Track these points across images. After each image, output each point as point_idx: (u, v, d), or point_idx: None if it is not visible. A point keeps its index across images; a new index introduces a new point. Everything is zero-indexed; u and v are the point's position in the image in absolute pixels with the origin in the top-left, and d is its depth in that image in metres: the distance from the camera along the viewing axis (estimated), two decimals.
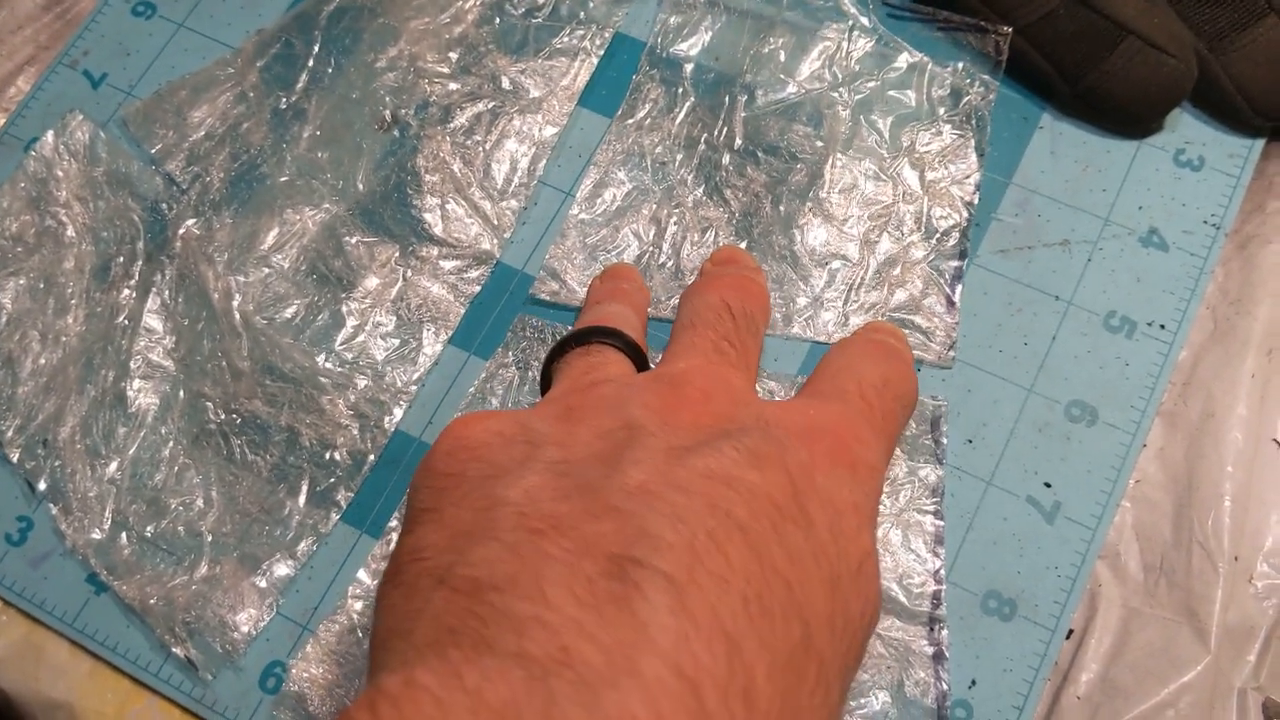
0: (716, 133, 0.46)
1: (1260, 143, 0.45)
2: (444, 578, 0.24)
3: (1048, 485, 0.41)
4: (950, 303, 0.43)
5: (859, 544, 0.27)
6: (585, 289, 0.44)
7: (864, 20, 0.46)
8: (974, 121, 0.45)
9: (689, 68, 0.47)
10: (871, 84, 0.46)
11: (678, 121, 0.46)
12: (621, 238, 0.45)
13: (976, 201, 0.44)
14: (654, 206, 0.45)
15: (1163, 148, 0.46)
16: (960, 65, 0.45)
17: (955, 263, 0.44)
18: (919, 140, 0.45)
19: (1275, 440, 0.41)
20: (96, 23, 0.51)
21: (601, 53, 0.48)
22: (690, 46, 0.48)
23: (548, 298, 0.45)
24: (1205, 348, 0.43)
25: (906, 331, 0.43)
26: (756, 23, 0.47)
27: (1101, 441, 0.42)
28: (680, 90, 0.47)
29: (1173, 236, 0.44)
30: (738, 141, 0.46)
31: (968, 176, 0.44)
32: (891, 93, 0.46)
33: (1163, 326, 0.43)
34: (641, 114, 0.47)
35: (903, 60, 0.46)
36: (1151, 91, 0.44)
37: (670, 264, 0.44)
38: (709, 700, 0.21)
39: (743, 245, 0.44)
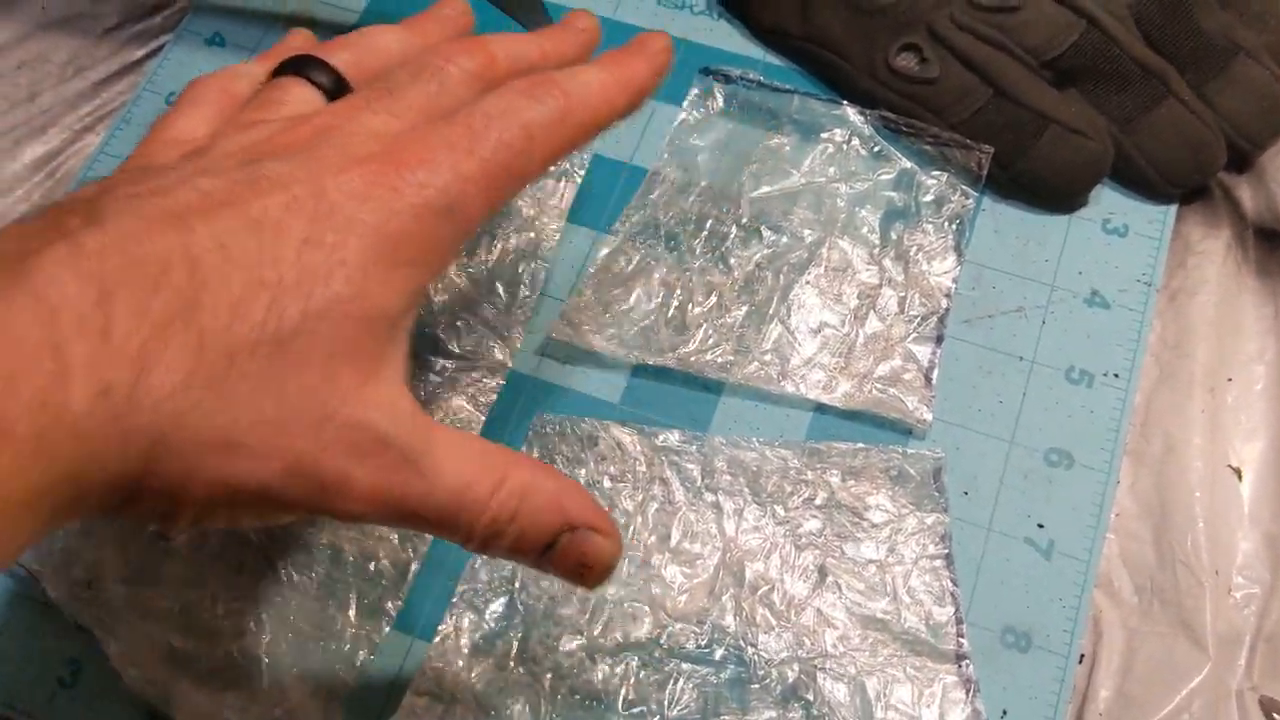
0: (725, 209, 0.51)
1: (1174, 208, 0.52)
2: None
3: (1040, 526, 0.46)
4: (927, 378, 0.48)
5: (334, 254, 0.29)
6: (597, 337, 0.48)
7: (863, 129, 0.52)
8: (954, 226, 0.50)
9: (703, 157, 0.52)
10: (865, 183, 0.51)
11: (690, 200, 0.51)
12: (634, 297, 0.50)
13: (953, 293, 0.49)
14: (664, 271, 0.50)
15: (1091, 219, 0.51)
16: (945, 176, 0.51)
17: (932, 346, 0.48)
18: (906, 236, 0.50)
19: (1230, 466, 0.47)
20: (89, 179, 0.53)
21: (583, 173, 0.52)
22: (706, 138, 0.53)
23: (563, 339, 0.49)
24: (1155, 391, 0.48)
25: (887, 398, 0.47)
26: (767, 121, 0.53)
27: (1080, 482, 0.46)
28: (695, 174, 0.52)
29: (1112, 295, 0.50)
30: (744, 219, 0.51)
31: (946, 272, 0.49)
32: (883, 192, 0.51)
33: (1116, 375, 0.48)
34: (656, 194, 0.52)
35: (894, 166, 0.52)
36: (1076, 171, 0.50)
37: (675, 322, 0.49)
38: (63, 321, 0.26)
39: (744, 309, 0.49)
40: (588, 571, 0.33)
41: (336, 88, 0.36)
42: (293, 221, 0.29)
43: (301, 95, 0.35)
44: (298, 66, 0.36)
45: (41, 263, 0.26)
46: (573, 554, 0.33)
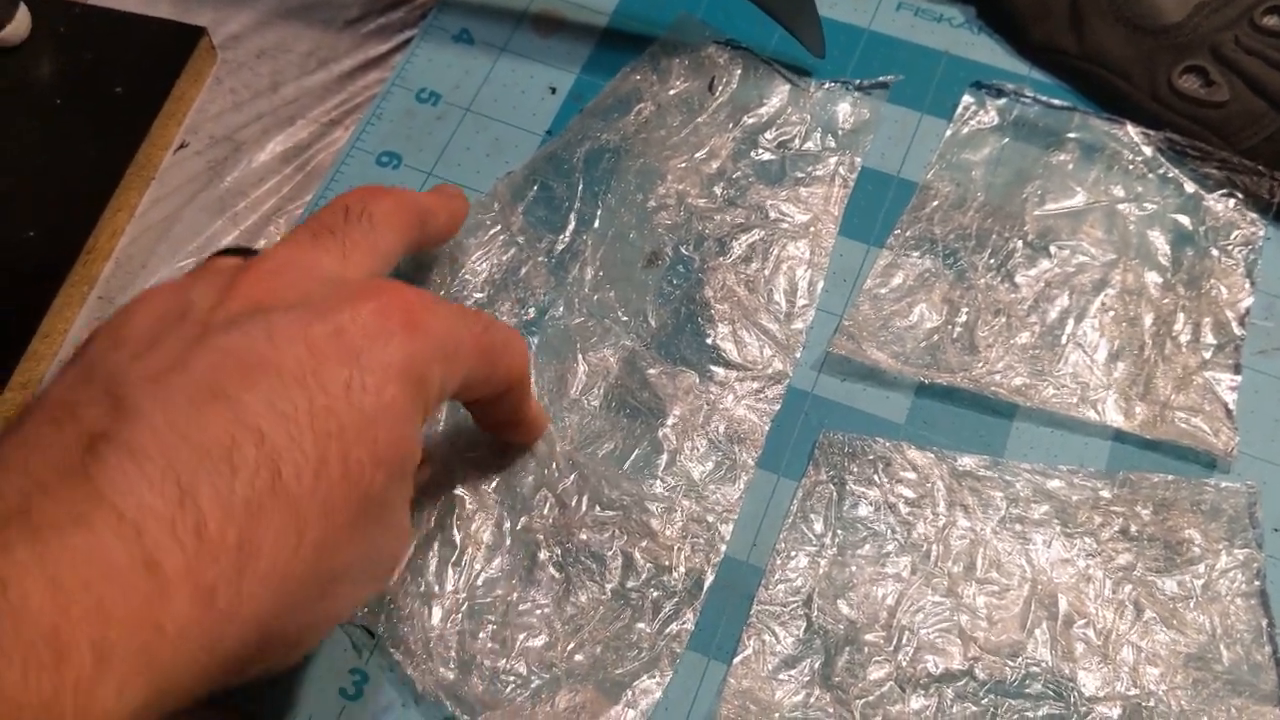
0: (1008, 225, 0.49)
1: None
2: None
3: None
4: (1228, 409, 0.46)
5: (380, 397, 0.30)
6: (881, 353, 0.47)
7: (1145, 150, 0.50)
8: (1245, 253, 0.49)
9: (977, 172, 0.51)
10: (1153, 205, 0.50)
11: (968, 215, 0.50)
12: (915, 312, 0.48)
13: (1248, 322, 0.48)
14: (945, 287, 0.49)
15: None
16: (1232, 202, 0.50)
17: (1230, 375, 0.47)
18: (1196, 261, 0.49)
19: None
20: (342, 173, 0.52)
21: (854, 178, 0.51)
22: (979, 153, 0.52)
23: (844, 354, 0.47)
24: None
25: (1190, 428, 0.46)
26: (1044, 138, 0.52)
27: None
28: (970, 189, 0.51)
29: None
30: (1030, 236, 0.49)
31: (1239, 300, 0.48)
32: (1171, 215, 0.50)
33: None
34: (930, 208, 0.51)
35: (1180, 189, 0.50)
36: None
37: (963, 340, 0.47)
38: (150, 532, 0.25)
39: (1036, 329, 0.47)
40: None
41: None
42: (328, 368, 0.29)
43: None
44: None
45: (105, 472, 0.26)
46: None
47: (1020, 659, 0.42)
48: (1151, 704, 0.41)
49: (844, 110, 0.53)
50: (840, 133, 0.52)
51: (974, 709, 0.41)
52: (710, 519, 0.44)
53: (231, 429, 0.27)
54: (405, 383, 0.31)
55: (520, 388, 0.40)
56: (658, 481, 0.45)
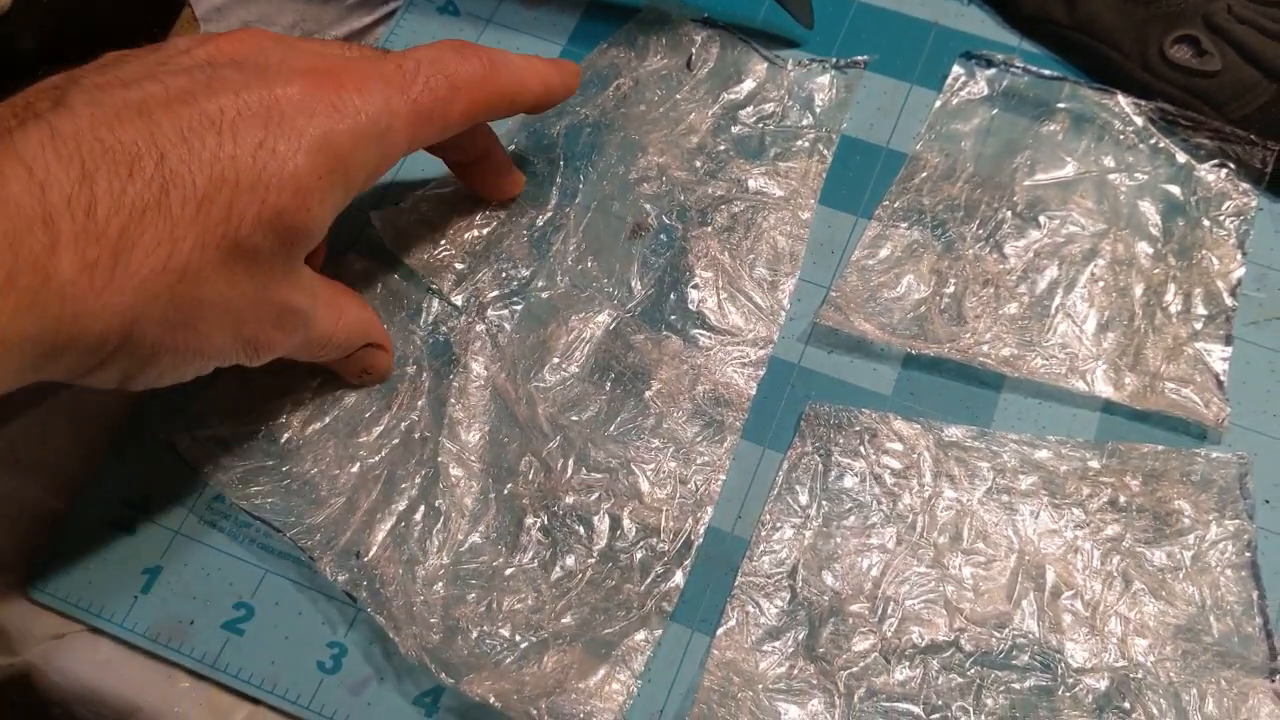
0: (997, 196, 0.49)
1: None
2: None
3: None
4: (1218, 380, 0.46)
5: (283, 164, 0.33)
6: (869, 324, 0.46)
7: (1137, 120, 0.50)
8: (1237, 223, 0.48)
9: (966, 142, 0.50)
10: (1144, 175, 0.49)
11: (957, 186, 0.49)
12: (903, 284, 0.48)
13: (1239, 293, 0.47)
14: (934, 258, 0.48)
15: None
16: (1224, 172, 0.49)
17: (1221, 346, 0.46)
18: (1188, 232, 0.48)
19: None
20: None
21: (830, 153, 0.51)
22: (968, 124, 0.51)
23: (831, 325, 0.47)
24: None
25: (1181, 399, 0.45)
26: (1034, 108, 0.51)
27: None
28: (959, 159, 0.50)
29: None
30: (1019, 206, 0.49)
31: (1231, 271, 0.47)
32: (1162, 185, 0.49)
33: None
34: (919, 179, 0.50)
35: (1171, 159, 0.50)
36: None
37: (950, 311, 0.47)
38: (51, 196, 0.29)
39: (1025, 300, 0.47)
40: (369, 374, 0.45)
41: None
42: (246, 125, 0.33)
43: None
44: None
45: (26, 140, 0.30)
46: (364, 358, 0.44)
47: (1007, 630, 0.41)
48: (1140, 675, 0.41)
49: (821, 88, 0.52)
50: (818, 110, 0.52)
51: (960, 680, 0.41)
52: (698, 479, 0.44)
53: (140, 142, 0.31)
54: (318, 158, 0.34)
55: (501, 101, 0.42)
56: (644, 443, 0.45)
